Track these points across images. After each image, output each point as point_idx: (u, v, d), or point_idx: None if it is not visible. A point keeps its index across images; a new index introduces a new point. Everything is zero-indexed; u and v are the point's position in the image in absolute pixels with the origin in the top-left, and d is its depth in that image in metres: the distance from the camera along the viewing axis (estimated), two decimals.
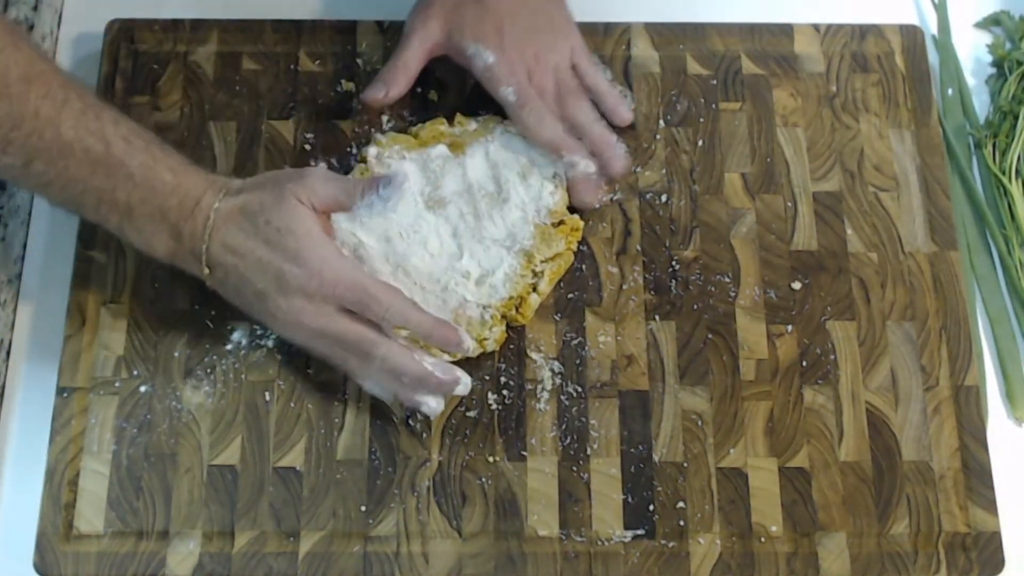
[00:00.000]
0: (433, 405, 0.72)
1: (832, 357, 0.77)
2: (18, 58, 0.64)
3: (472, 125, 0.81)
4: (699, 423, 0.75)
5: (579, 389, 0.76)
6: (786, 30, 0.87)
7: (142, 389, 0.75)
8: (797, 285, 0.79)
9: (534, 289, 0.76)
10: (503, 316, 0.75)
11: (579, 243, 0.79)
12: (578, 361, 0.77)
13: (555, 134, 0.77)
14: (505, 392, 0.76)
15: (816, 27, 0.87)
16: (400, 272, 0.74)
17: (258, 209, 0.70)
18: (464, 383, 0.72)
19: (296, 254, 0.69)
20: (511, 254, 0.76)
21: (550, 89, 0.79)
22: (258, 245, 0.69)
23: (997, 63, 0.89)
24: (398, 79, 0.79)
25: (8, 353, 0.79)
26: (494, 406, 0.75)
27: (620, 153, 0.79)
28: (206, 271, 0.71)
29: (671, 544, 0.73)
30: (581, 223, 0.79)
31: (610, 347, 0.77)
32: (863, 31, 0.87)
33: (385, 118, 0.83)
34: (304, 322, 0.70)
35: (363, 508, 0.73)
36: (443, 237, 0.75)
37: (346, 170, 0.81)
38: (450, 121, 0.81)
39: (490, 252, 0.75)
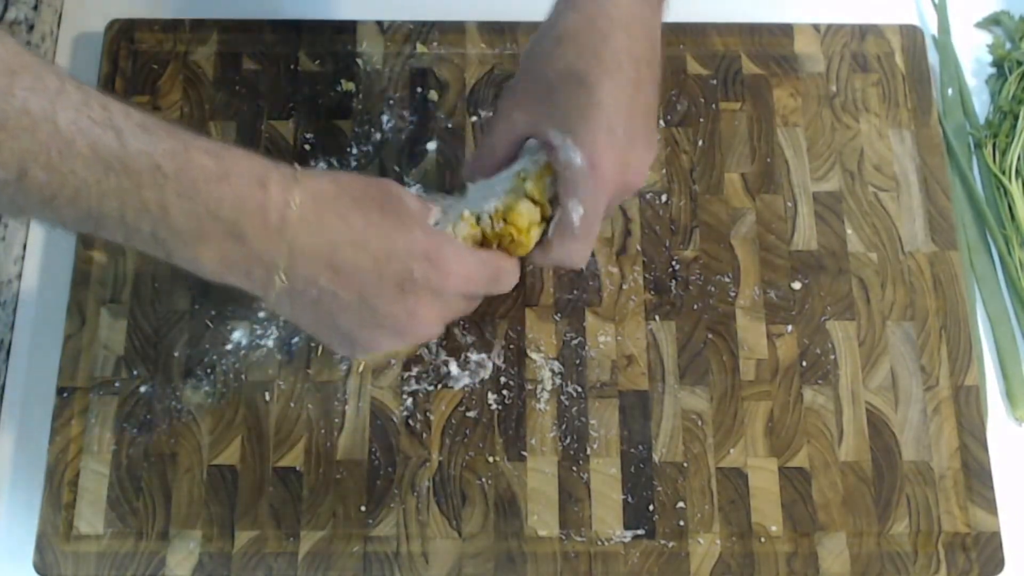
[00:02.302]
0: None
1: (832, 357, 0.77)
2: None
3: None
4: (699, 423, 0.75)
5: (579, 389, 0.76)
6: (786, 30, 0.87)
7: (142, 389, 0.75)
8: (797, 285, 0.79)
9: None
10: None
11: None
12: (578, 361, 0.77)
13: (573, 263, 0.65)
14: (505, 392, 0.76)
15: (816, 27, 0.87)
16: None
17: (363, 194, 0.57)
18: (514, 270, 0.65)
19: (426, 251, 0.57)
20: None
21: (617, 203, 0.66)
22: (371, 240, 0.56)
23: (997, 63, 0.89)
24: (485, 166, 0.66)
25: (8, 353, 0.79)
26: (494, 406, 0.75)
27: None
28: (281, 281, 0.56)
29: (671, 544, 0.73)
30: None
31: (610, 347, 0.77)
32: (863, 31, 0.87)
33: (385, 118, 0.83)
34: (429, 321, 0.59)
35: (363, 508, 0.73)
36: None
37: (346, 170, 0.81)
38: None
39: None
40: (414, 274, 0.57)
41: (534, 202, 0.65)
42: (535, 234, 0.65)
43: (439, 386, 0.76)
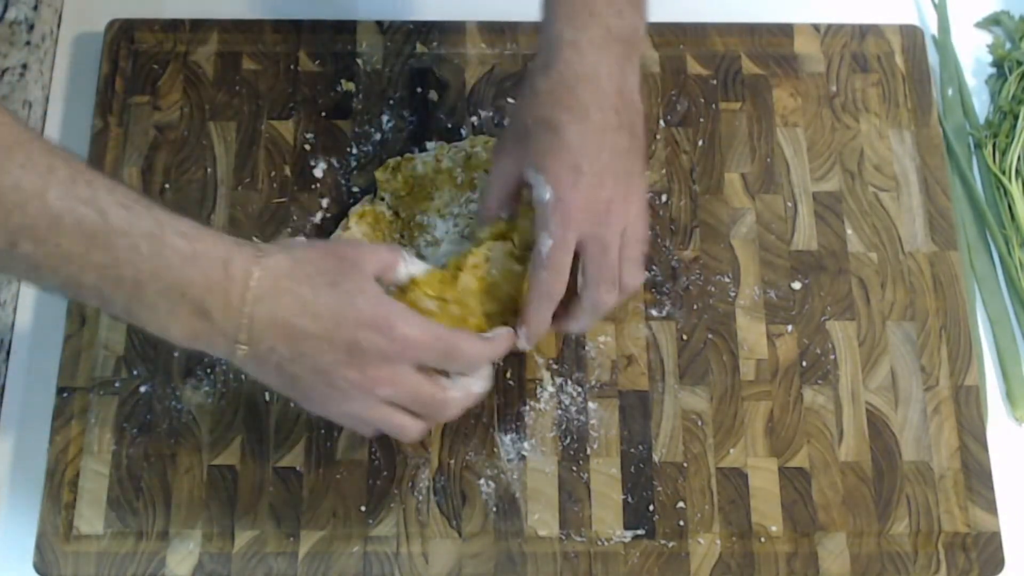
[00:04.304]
0: (483, 383, 0.67)
1: (832, 357, 0.77)
2: None
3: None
4: (699, 423, 0.75)
5: (579, 389, 0.76)
6: (786, 30, 0.87)
7: (142, 389, 0.75)
8: (797, 285, 0.79)
9: None
10: None
11: None
12: (578, 361, 0.77)
13: (539, 315, 0.67)
14: (505, 392, 0.76)
15: (816, 27, 0.87)
16: None
17: (316, 271, 0.61)
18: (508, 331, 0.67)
19: (372, 321, 0.61)
20: None
21: (613, 253, 0.67)
22: (324, 317, 0.60)
23: (997, 63, 0.89)
24: (486, 214, 0.71)
25: (8, 353, 0.79)
26: (494, 406, 0.75)
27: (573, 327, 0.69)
28: (242, 351, 0.60)
29: (671, 544, 0.73)
30: None
31: (610, 347, 0.77)
32: (863, 31, 0.87)
33: (385, 118, 0.83)
34: (378, 390, 0.62)
35: (363, 508, 0.73)
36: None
37: (346, 170, 0.81)
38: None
39: None
40: (361, 342, 0.60)
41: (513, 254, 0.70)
42: (492, 278, 0.69)
43: None
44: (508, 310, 0.69)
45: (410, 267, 0.66)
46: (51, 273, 0.57)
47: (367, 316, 0.61)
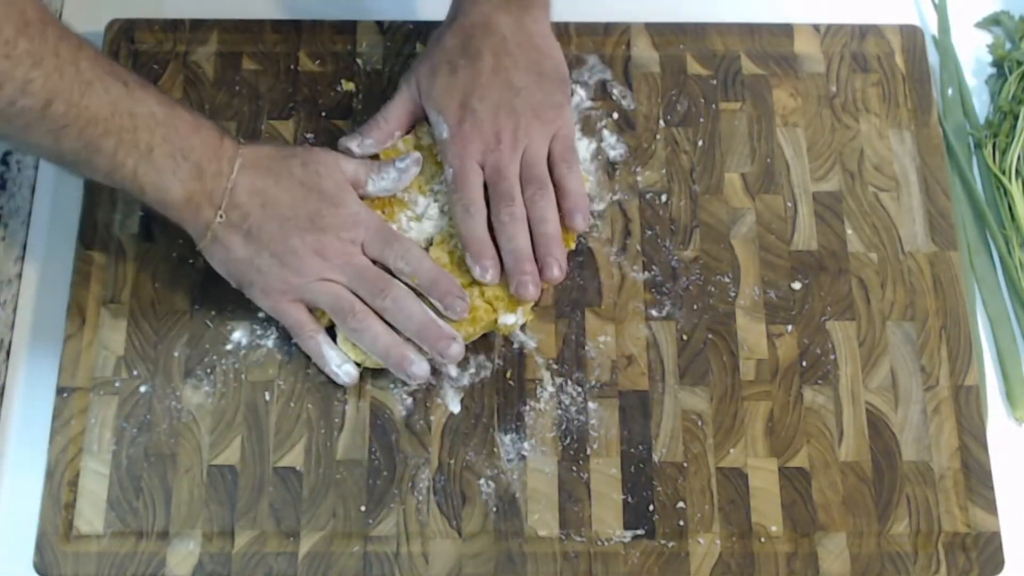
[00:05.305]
0: (423, 369, 0.73)
1: (832, 357, 0.77)
2: (33, 3, 0.62)
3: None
4: (699, 423, 0.75)
5: (579, 389, 0.76)
6: (786, 30, 0.87)
7: (142, 389, 0.75)
8: (797, 285, 0.79)
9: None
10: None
11: (579, 239, 0.79)
12: (578, 361, 0.77)
13: (471, 231, 0.74)
14: (505, 392, 0.76)
15: (816, 27, 0.87)
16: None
17: (291, 154, 0.73)
18: (459, 345, 0.73)
19: (333, 197, 0.72)
20: None
21: (509, 174, 0.75)
22: (293, 187, 0.71)
23: (997, 63, 0.89)
24: (373, 133, 0.78)
25: (8, 353, 0.79)
26: (494, 406, 0.75)
27: (554, 264, 0.74)
28: (220, 217, 0.70)
29: (671, 544, 0.73)
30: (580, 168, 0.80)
31: (610, 347, 0.77)
32: (863, 31, 0.87)
33: None
34: (328, 256, 0.72)
35: (363, 508, 0.73)
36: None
37: None
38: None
39: None
40: (322, 212, 0.72)
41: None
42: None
43: (439, 386, 0.76)
44: (482, 282, 0.74)
45: (378, 183, 0.75)
46: (76, 136, 0.64)
47: (329, 192, 0.72)
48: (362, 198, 0.75)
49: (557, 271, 0.74)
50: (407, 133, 0.79)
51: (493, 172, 0.75)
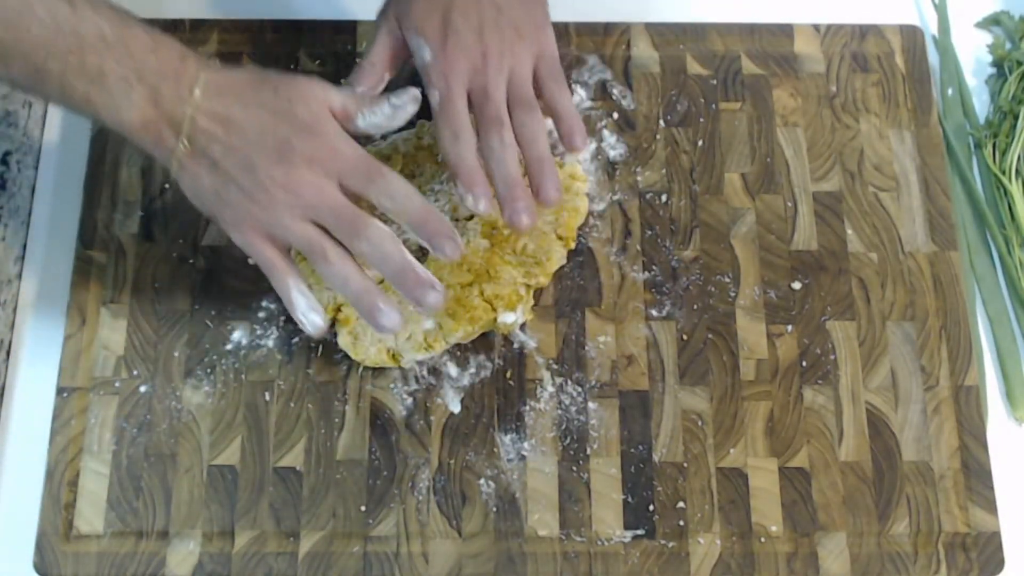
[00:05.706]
0: (393, 319, 0.66)
1: (832, 357, 0.77)
2: None
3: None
4: (699, 423, 0.75)
5: (579, 389, 0.76)
6: (786, 30, 0.87)
7: (142, 389, 0.75)
8: (797, 285, 0.79)
9: (559, 238, 0.77)
10: (527, 286, 0.75)
11: (579, 239, 0.79)
12: (578, 361, 0.77)
13: (460, 158, 0.70)
14: (505, 392, 0.76)
15: (816, 27, 0.87)
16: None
17: (262, 80, 0.66)
18: (438, 294, 0.67)
19: (308, 125, 0.65)
20: None
21: (496, 96, 0.71)
22: (261, 113, 0.65)
23: (997, 63, 0.89)
24: (364, 80, 0.74)
25: (8, 353, 0.79)
26: (494, 406, 0.75)
27: (550, 185, 0.71)
28: (183, 145, 0.65)
29: (671, 544, 0.73)
30: (579, 167, 0.80)
31: (610, 347, 0.77)
32: (863, 31, 0.87)
33: None
34: (299, 192, 0.65)
35: (363, 508, 0.73)
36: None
37: None
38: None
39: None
40: (292, 141, 0.65)
41: None
42: None
43: (439, 386, 0.76)
44: (480, 280, 0.73)
45: (369, 118, 0.68)
46: (20, 60, 0.61)
47: (303, 120, 0.65)
48: (356, 139, 0.68)
49: (554, 192, 0.70)
50: (398, 73, 0.75)
51: (480, 95, 0.71)
